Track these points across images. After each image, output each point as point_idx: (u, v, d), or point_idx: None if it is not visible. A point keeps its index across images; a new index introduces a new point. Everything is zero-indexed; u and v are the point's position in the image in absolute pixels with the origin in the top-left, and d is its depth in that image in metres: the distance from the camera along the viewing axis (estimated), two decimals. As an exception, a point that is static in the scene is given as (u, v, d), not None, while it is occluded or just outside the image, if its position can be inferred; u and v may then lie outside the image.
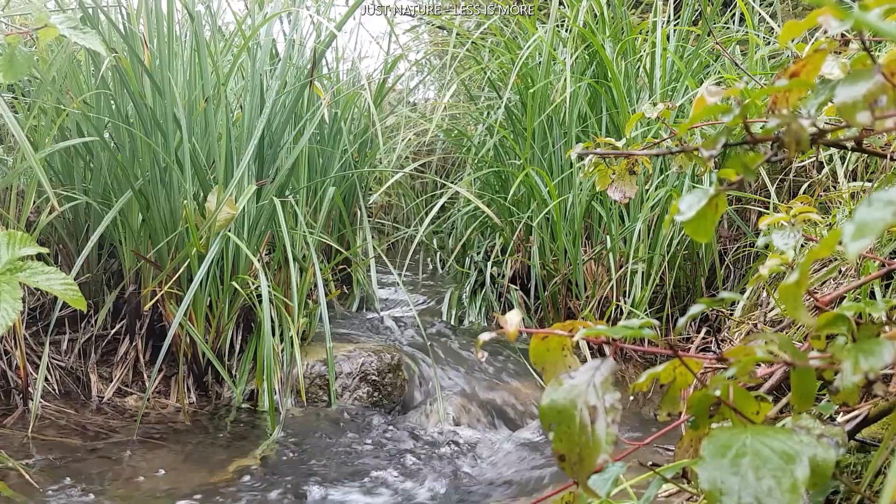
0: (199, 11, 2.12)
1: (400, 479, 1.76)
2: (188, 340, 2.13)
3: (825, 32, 0.59)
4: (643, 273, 2.39)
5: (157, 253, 2.13)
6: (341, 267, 3.01)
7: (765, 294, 1.86)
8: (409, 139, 3.74)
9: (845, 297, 1.17)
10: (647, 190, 2.41)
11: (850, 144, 0.64)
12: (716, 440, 0.54)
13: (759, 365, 0.74)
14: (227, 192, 2.02)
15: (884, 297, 1.49)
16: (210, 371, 2.20)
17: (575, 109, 2.59)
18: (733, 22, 3.20)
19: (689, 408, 0.67)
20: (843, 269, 1.57)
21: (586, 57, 2.72)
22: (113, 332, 2.24)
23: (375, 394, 2.22)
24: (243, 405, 2.14)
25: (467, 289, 2.95)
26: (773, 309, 1.80)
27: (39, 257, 1.94)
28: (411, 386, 2.28)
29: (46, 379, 2.10)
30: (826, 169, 2.20)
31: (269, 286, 2.13)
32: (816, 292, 1.55)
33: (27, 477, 1.64)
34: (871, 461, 0.92)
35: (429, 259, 3.68)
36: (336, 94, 2.95)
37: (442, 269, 3.55)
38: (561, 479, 1.73)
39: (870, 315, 0.74)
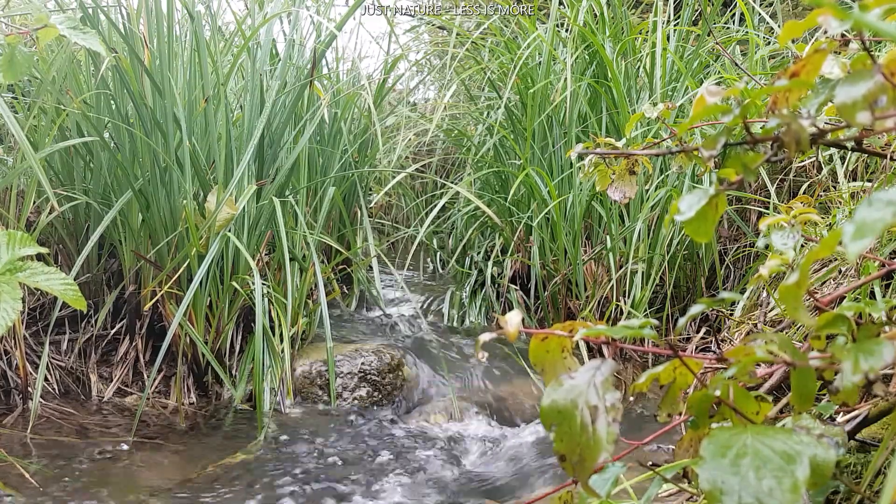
0: (199, 11, 2.12)
1: (399, 478, 1.76)
2: (188, 340, 2.13)
3: (825, 32, 0.59)
4: (643, 273, 2.39)
5: (157, 253, 2.13)
6: (341, 267, 3.01)
7: (765, 294, 1.86)
8: (409, 139, 3.74)
9: (845, 297, 1.17)
10: (647, 190, 2.41)
11: (850, 144, 0.64)
12: (716, 440, 0.54)
13: (759, 365, 0.74)
14: (227, 192, 2.02)
15: (884, 297, 1.49)
16: (210, 371, 2.20)
17: (575, 109, 2.59)
18: (733, 22, 3.20)
19: (689, 408, 0.67)
20: (843, 270, 1.57)
21: (586, 57, 2.72)
22: (113, 332, 2.24)
23: (376, 393, 2.22)
24: (243, 406, 2.14)
25: (467, 289, 2.95)
26: (773, 309, 1.80)
27: (39, 257, 1.94)
28: (411, 386, 2.28)
29: (46, 379, 2.10)
30: (826, 169, 2.19)
31: (267, 286, 2.13)
32: (816, 292, 1.55)
33: (27, 476, 1.64)
34: (871, 461, 0.92)
35: (429, 259, 3.68)
36: (336, 94, 2.95)
37: (442, 269, 3.55)
38: (557, 477, 1.73)
39: (870, 315, 0.74)
